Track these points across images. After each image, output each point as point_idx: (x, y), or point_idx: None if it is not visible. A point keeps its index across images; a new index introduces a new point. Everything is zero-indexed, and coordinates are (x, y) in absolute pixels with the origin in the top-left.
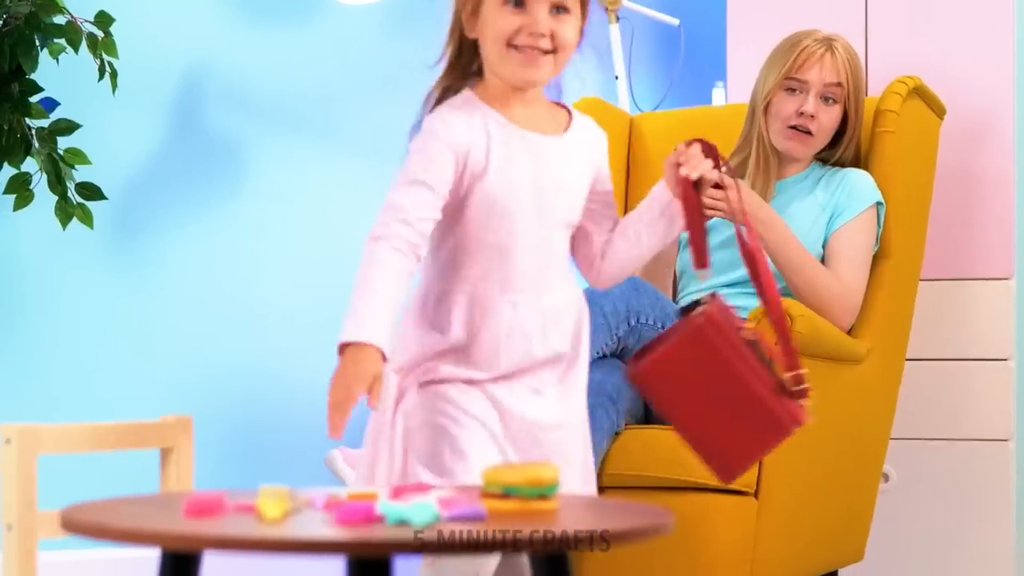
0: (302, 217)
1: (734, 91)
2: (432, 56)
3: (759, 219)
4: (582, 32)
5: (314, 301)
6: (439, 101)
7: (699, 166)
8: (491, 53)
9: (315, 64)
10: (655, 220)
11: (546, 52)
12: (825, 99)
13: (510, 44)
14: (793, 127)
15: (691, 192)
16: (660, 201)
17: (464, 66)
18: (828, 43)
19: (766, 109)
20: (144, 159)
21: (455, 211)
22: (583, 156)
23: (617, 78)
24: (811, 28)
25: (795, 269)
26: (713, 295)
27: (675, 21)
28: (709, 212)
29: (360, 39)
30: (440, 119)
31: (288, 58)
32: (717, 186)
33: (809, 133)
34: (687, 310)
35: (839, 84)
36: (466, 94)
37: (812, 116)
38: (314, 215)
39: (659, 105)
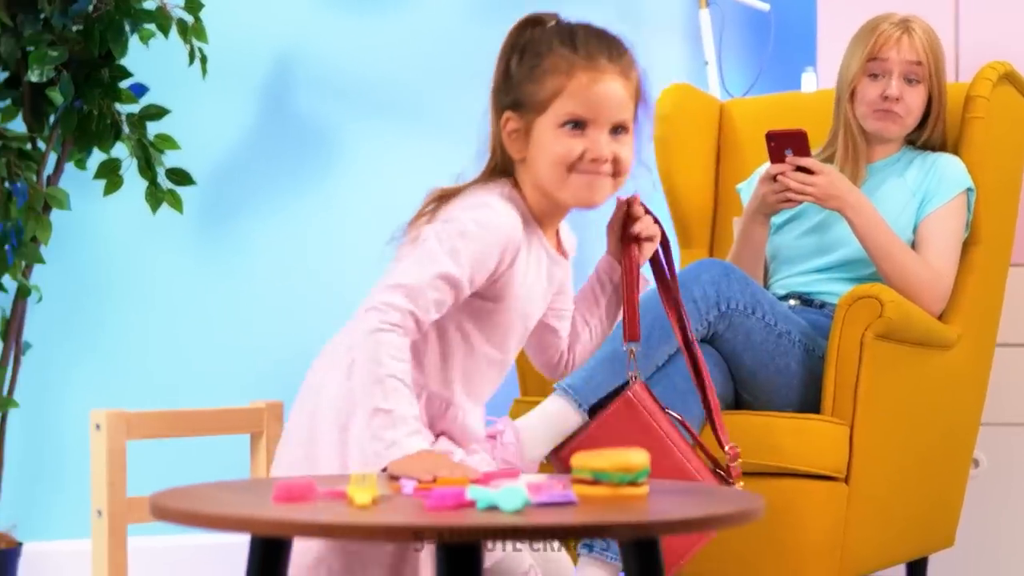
0: (392, 202)
1: (824, 77)
2: None
3: (848, 204)
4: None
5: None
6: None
7: (651, 230)
8: (549, 177)
9: (405, 48)
10: (611, 299)
11: (606, 175)
12: (908, 80)
13: (571, 169)
14: (880, 110)
15: (634, 261)
16: (612, 281)
17: (497, 176)
18: (905, 24)
19: (852, 96)
20: (234, 144)
21: (461, 318)
22: (567, 276)
23: (707, 63)
24: (888, 12)
25: (885, 255)
26: (635, 377)
27: (765, 6)
28: (798, 197)
29: (450, 23)
30: (505, 219)
31: (378, 42)
32: (806, 170)
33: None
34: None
35: (919, 63)
36: (517, 201)
37: (897, 99)
38: (404, 200)
39: (749, 91)
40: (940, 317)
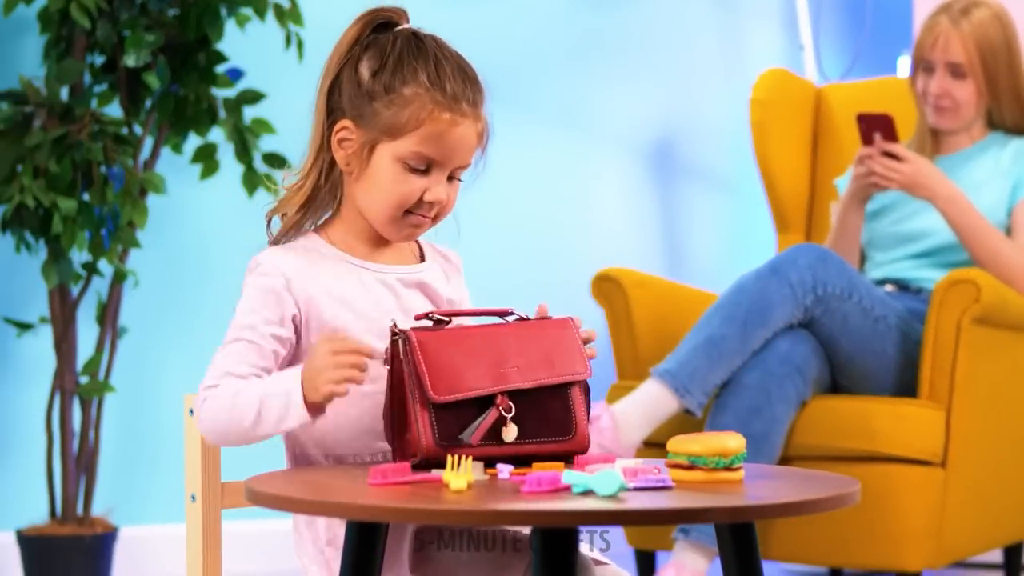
0: (490, 186)
1: None
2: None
3: (939, 195)
4: None
5: (507, 268)
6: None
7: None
8: (381, 212)
9: (503, 33)
10: None
11: (430, 218)
12: (954, 75)
13: (407, 210)
14: (930, 105)
15: None
16: None
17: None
18: (956, 18)
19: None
20: None
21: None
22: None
23: (803, 48)
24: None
25: (978, 242)
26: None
27: None
28: (883, 182)
29: (547, 8)
30: (270, 264)
31: (477, 27)
32: (892, 156)
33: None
34: None
35: (960, 62)
36: (315, 240)
37: (939, 95)
38: (502, 184)
39: (845, 75)
40: None
